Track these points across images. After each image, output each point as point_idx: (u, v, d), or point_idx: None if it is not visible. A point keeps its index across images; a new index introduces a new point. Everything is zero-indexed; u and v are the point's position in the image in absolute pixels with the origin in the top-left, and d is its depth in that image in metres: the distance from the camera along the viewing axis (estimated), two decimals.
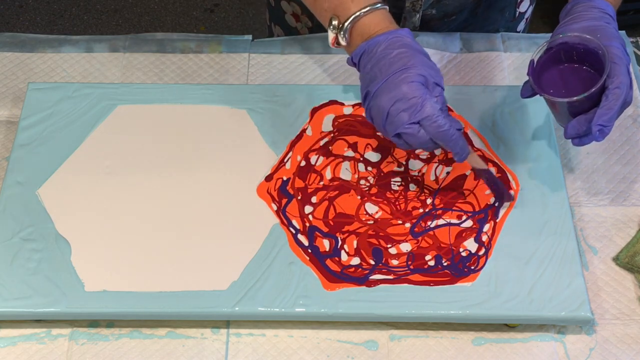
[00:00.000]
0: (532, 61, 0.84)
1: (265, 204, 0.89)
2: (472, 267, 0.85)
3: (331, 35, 0.87)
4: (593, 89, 0.79)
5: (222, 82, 1.03)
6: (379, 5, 0.85)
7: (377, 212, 0.89)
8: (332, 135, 0.95)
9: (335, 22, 0.86)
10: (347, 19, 0.85)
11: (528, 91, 0.86)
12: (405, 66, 0.80)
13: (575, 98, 0.80)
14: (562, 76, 0.85)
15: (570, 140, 0.85)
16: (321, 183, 0.91)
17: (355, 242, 0.86)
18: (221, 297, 0.83)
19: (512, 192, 0.90)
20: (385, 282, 0.84)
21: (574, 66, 0.84)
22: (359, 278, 0.84)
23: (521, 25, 1.18)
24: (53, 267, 0.84)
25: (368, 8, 0.84)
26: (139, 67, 1.05)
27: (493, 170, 0.91)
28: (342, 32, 0.85)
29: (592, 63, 0.82)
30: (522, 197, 0.90)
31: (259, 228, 0.87)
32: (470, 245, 0.86)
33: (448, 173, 0.92)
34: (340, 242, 0.86)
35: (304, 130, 0.95)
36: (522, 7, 1.15)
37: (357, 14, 0.84)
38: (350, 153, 0.93)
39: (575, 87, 0.83)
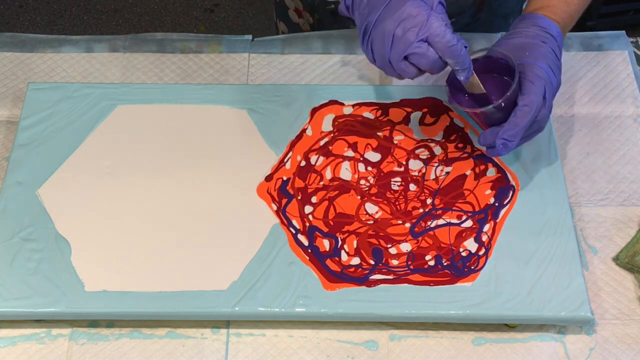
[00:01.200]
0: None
1: (265, 204, 0.89)
2: (472, 267, 0.85)
3: None
4: (495, 104, 0.81)
5: (222, 82, 1.03)
6: None
7: (377, 212, 0.89)
8: (332, 135, 0.95)
9: None
10: None
11: (449, 99, 0.87)
12: None
13: (477, 110, 0.83)
14: (483, 88, 0.86)
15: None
16: (321, 183, 0.91)
17: (355, 242, 0.86)
18: (221, 297, 0.83)
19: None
20: (385, 282, 0.84)
21: (494, 80, 0.86)
22: (359, 278, 0.84)
23: None
24: (53, 267, 0.84)
25: None
26: (139, 67, 1.05)
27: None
28: None
29: (512, 79, 0.83)
30: (522, 197, 0.90)
31: (259, 228, 0.87)
32: (470, 245, 0.86)
33: (448, 173, 0.92)
34: (340, 242, 0.86)
35: (304, 130, 0.95)
36: None
37: None
38: (350, 153, 0.93)
39: (490, 99, 0.85)
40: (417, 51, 0.79)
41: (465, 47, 0.80)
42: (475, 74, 0.83)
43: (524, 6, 1.12)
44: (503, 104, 0.82)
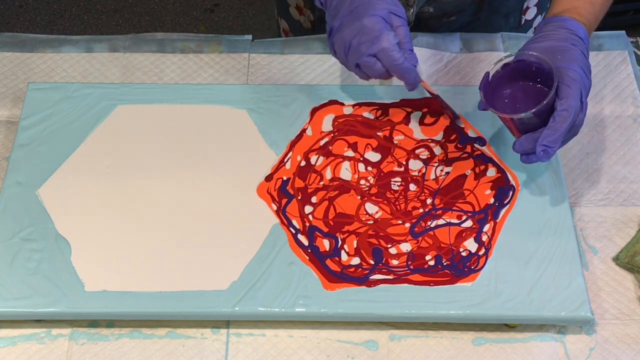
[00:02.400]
0: (487, 74, 0.85)
1: (265, 204, 0.89)
2: (472, 267, 0.85)
3: None
4: (534, 109, 0.81)
5: (222, 82, 1.03)
6: None
7: (377, 212, 0.89)
8: (332, 135, 0.95)
9: None
10: None
11: (483, 104, 0.87)
12: (367, 0, 0.85)
13: (517, 116, 0.82)
14: (515, 93, 0.86)
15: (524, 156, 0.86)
16: (321, 183, 0.91)
17: (355, 242, 0.86)
18: (221, 297, 0.83)
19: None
20: (385, 282, 0.84)
21: (528, 84, 0.86)
22: (359, 278, 0.84)
23: (528, 34, 1.17)
24: (53, 267, 0.84)
25: None
26: (139, 67, 1.05)
27: (458, 115, 0.95)
28: None
29: (546, 83, 0.83)
30: (522, 197, 0.90)
31: (259, 228, 0.87)
32: (470, 245, 0.86)
33: (448, 173, 0.92)
34: (340, 242, 0.86)
35: (304, 130, 0.95)
36: (529, 15, 1.14)
37: None
38: (350, 153, 0.93)
39: (525, 104, 0.85)
40: (366, 64, 0.86)
41: (415, 65, 0.87)
42: (426, 82, 0.89)
43: (524, 6, 1.12)
44: (542, 110, 0.81)
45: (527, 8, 1.13)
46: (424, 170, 0.92)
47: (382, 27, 0.85)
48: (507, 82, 0.86)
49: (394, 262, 0.85)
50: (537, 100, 0.82)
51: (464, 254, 0.85)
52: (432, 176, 0.91)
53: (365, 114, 0.96)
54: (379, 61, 0.86)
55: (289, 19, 1.20)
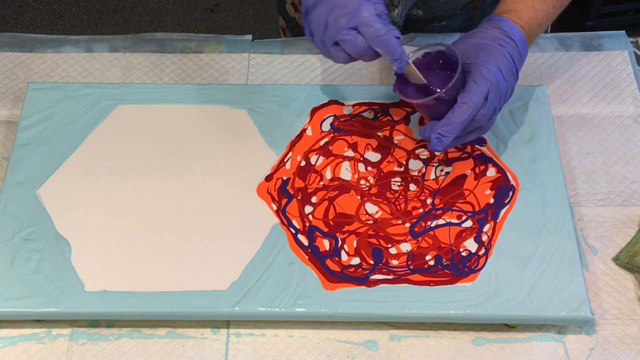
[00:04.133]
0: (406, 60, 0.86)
1: (265, 204, 0.89)
2: (472, 267, 0.85)
3: None
4: (428, 98, 0.82)
5: (222, 82, 1.03)
6: None
7: (377, 212, 0.89)
8: (332, 135, 0.95)
9: None
10: None
11: (394, 87, 0.87)
12: None
13: (416, 101, 0.83)
14: (430, 80, 0.87)
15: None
16: (321, 183, 0.91)
17: (355, 242, 0.86)
18: (221, 297, 0.83)
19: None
20: (385, 282, 0.84)
21: (442, 74, 0.87)
22: (359, 278, 0.84)
23: None
24: (53, 267, 0.84)
25: None
26: (139, 67, 1.05)
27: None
28: None
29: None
30: (522, 197, 0.90)
31: (259, 228, 0.87)
32: (470, 245, 0.86)
33: (448, 173, 0.92)
34: (340, 242, 0.86)
35: (304, 130, 0.95)
36: None
37: None
38: (350, 153, 0.93)
39: (432, 92, 0.86)
40: (347, 38, 0.81)
41: (398, 37, 0.81)
42: (412, 65, 0.84)
43: None
44: (443, 98, 0.82)
45: None
46: (424, 170, 0.92)
47: (361, 0, 0.80)
48: (424, 70, 0.87)
49: (394, 262, 0.85)
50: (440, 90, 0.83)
51: (464, 254, 0.86)
52: (432, 176, 0.91)
53: (365, 114, 0.96)
54: (360, 34, 0.81)
55: (286, 16, 1.20)
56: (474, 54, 0.85)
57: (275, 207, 0.89)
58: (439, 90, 0.84)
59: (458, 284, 0.83)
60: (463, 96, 0.82)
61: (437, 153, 0.92)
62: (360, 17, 0.80)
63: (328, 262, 0.85)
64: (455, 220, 0.88)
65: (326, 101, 0.98)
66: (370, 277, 0.84)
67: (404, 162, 0.93)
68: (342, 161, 0.93)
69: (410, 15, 1.07)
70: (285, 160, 0.93)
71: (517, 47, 0.86)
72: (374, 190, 0.90)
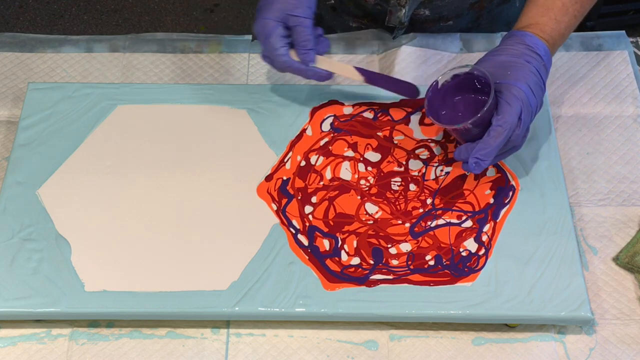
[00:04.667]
0: (436, 82, 0.87)
1: (265, 204, 0.89)
2: (472, 267, 0.85)
3: None
4: (463, 124, 0.82)
5: (222, 82, 1.03)
6: None
7: (377, 212, 0.89)
8: (332, 135, 0.95)
9: None
10: None
11: (427, 112, 0.87)
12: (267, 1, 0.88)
13: (451, 127, 0.84)
14: (460, 103, 0.88)
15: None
16: (321, 183, 0.91)
17: (355, 242, 0.86)
18: (221, 297, 0.83)
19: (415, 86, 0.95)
20: (385, 282, 0.84)
21: (472, 96, 0.88)
22: (359, 278, 0.84)
23: None
24: (53, 267, 0.84)
25: None
26: (139, 67, 1.05)
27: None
28: None
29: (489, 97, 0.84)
30: (522, 197, 0.90)
31: (259, 228, 0.87)
32: (470, 245, 0.86)
33: (448, 173, 0.92)
34: (340, 242, 0.86)
35: (304, 130, 0.95)
36: None
37: None
38: (350, 153, 0.93)
39: (466, 116, 0.86)
40: (266, 62, 0.91)
41: (311, 61, 0.88)
42: (320, 57, 0.90)
43: None
44: (477, 123, 0.82)
45: None
46: (424, 170, 0.92)
47: (271, 28, 0.87)
48: (455, 92, 0.88)
49: (394, 262, 0.85)
50: (477, 113, 0.83)
51: (464, 254, 0.86)
52: (432, 176, 0.91)
53: (365, 114, 0.96)
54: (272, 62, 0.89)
55: None
56: (502, 72, 0.84)
57: (275, 207, 0.89)
58: (470, 114, 0.84)
59: (458, 284, 0.83)
60: (497, 119, 0.82)
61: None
62: (267, 49, 0.88)
63: (328, 262, 0.85)
64: (455, 220, 0.88)
65: (326, 101, 0.98)
66: (370, 277, 0.84)
67: (404, 162, 0.93)
68: (342, 161, 0.93)
69: (416, 14, 1.07)
70: (285, 160, 0.93)
71: (542, 61, 0.86)
72: (374, 190, 0.90)
